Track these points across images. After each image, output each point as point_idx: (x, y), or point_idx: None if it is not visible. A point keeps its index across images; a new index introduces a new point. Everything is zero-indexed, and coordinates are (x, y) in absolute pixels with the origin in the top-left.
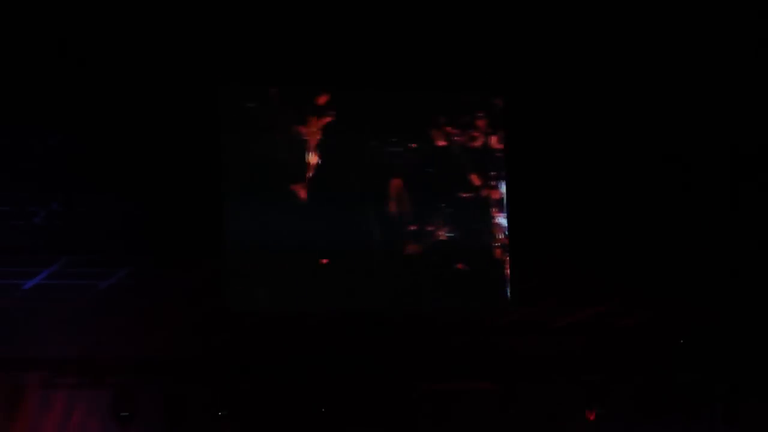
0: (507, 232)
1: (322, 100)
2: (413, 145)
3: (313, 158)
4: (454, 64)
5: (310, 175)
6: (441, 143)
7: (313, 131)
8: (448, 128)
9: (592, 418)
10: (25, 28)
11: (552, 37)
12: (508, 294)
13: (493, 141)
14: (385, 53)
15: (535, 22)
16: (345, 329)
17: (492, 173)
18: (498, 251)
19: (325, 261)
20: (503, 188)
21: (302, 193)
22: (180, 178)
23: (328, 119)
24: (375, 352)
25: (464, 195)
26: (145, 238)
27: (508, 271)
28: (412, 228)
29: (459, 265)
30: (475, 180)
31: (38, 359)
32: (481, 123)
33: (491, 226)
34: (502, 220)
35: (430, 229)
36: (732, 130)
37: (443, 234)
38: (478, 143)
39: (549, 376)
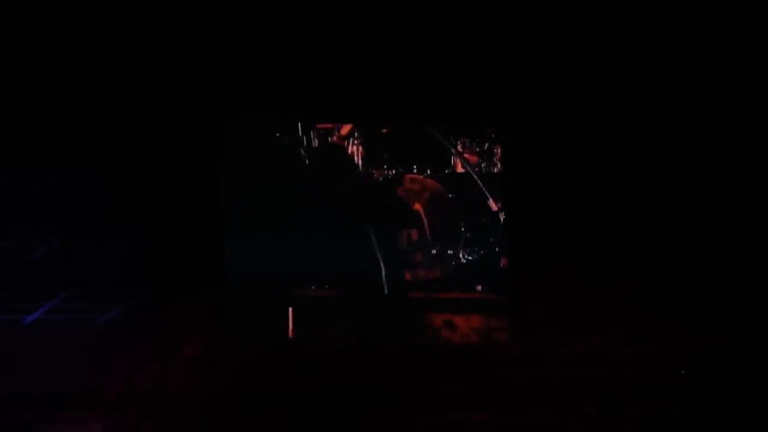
0: (507, 264)
1: (344, 130)
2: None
3: (317, 186)
4: (461, 97)
5: (314, 202)
6: (459, 170)
7: (317, 160)
8: (467, 156)
9: None
10: (24, 65)
11: (546, 70)
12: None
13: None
14: (395, 87)
15: (529, 58)
16: (346, 360)
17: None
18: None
19: (328, 290)
20: None
21: (305, 222)
22: (180, 210)
23: (334, 147)
24: (375, 382)
25: (483, 219)
26: (145, 271)
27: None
28: (433, 252)
29: (478, 287)
30: (493, 205)
31: (39, 395)
32: (498, 150)
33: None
34: None
35: (450, 252)
36: (734, 154)
37: (463, 257)
38: (496, 170)
39: (549, 407)
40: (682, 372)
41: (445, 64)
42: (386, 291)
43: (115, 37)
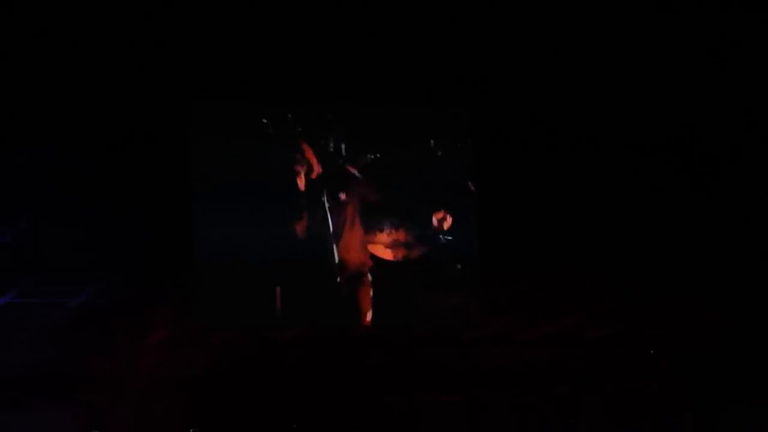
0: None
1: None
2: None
3: (287, 174)
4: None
5: (286, 186)
6: (439, 154)
7: (291, 144)
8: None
9: None
10: None
11: (517, 54)
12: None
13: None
14: (367, 70)
15: (499, 41)
16: (314, 344)
17: None
18: None
19: (298, 274)
20: None
21: (276, 207)
22: (149, 196)
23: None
24: (343, 366)
25: (462, 201)
26: (115, 255)
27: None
28: (412, 233)
29: (458, 266)
30: (472, 187)
31: (8, 378)
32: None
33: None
34: None
35: (428, 233)
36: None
37: (443, 238)
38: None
39: (518, 388)
40: (651, 352)
41: (417, 47)
42: (339, 277)
43: (85, 21)
